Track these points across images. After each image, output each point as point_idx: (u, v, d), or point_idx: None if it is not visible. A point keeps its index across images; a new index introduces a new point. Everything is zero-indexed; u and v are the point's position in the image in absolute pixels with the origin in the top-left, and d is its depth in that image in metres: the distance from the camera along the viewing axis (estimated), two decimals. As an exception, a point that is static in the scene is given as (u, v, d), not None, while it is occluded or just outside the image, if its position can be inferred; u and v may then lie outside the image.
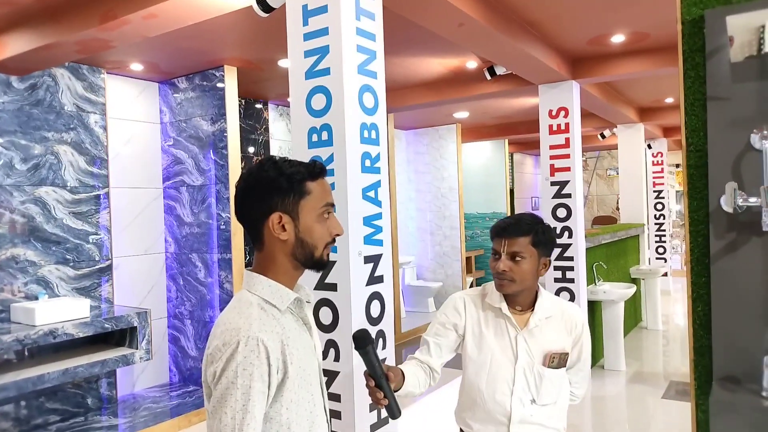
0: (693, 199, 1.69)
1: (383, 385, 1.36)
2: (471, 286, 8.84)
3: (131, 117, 4.77)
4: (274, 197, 1.16)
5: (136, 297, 4.72)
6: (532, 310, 1.68)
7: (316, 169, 1.20)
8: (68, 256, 4.11)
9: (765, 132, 1.46)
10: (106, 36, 3.21)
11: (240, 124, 5.11)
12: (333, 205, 1.23)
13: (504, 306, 1.68)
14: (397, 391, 1.50)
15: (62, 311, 3.65)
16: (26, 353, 3.76)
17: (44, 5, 3.17)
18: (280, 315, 1.16)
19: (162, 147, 4.98)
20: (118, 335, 4.03)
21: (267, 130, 5.75)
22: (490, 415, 1.65)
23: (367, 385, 1.39)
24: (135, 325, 3.93)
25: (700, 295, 1.68)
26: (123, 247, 4.64)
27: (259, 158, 5.48)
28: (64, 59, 3.70)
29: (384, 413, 2.23)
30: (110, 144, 4.51)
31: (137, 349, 3.93)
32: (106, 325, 3.79)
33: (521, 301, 1.70)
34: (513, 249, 1.62)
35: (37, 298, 3.87)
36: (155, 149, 4.95)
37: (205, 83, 4.65)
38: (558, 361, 1.65)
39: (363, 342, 1.33)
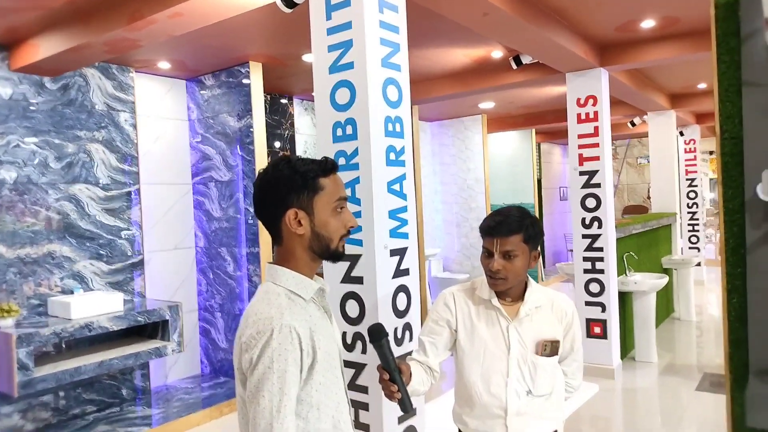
0: (728, 188, 1.64)
1: (396, 379, 1.38)
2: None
3: (160, 114, 4.85)
4: (290, 194, 1.22)
5: (168, 291, 4.81)
6: (522, 300, 1.68)
7: (328, 166, 1.26)
8: (102, 252, 4.21)
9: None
10: (134, 35, 3.26)
11: (266, 120, 5.15)
12: (346, 198, 1.28)
13: (494, 298, 1.67)
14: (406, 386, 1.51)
15: (97, 305, 3.75)
16: (63, 346, 3.87)
17: (74, 7, 3.23)
18: (305, 304, 1.22)
19: (190, 143, 5.05)
20: (151, 328, 4.12)
21: (292, 125, 5.78)
22: (486, 409, 1.64)
23: (381, 379, 1.41)
24: (167, 318, 4.02)
25: (735, 287, 1.64)
26: (154, 243, 4.73)
27: (285, 152, 5.52)
28: (94, 59, 3.78)
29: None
30: (140, 141, 4.59)
31: (169, 341, 4.02)
32: (139, 319, 3.88)
33: (511, 292, 1.70)
34: (506, 248, 1.60)
35: (72, 293, 3.98)
36: (184, 146, 5.03)
37: (231, 80, 4.70)
38: (550, 348, 1.66)
39: (378, 335, 1.36)
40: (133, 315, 3.85)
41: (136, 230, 4.44)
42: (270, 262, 1.28)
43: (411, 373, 1.57)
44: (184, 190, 5.00)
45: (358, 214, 2.18)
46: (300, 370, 1.15)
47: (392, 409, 2.14)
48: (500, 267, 1.61)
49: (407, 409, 1.39)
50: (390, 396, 1.41)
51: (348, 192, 2.18)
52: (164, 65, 4.53)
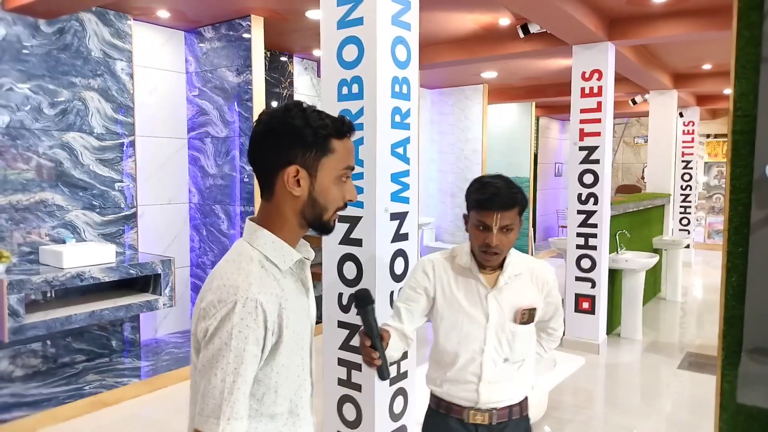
0: (736, 167, 1.63)
1: (378, 346, 1.37)
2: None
3: (157, 65, 4.74)
4: (296, 148, 1.08)
5: (160, 245, 4.79)
6: (501, 269, 1.65)
7: (345, 127, 1.12)
8: (95, 202, 4.16)
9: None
10: (134, -20, 3.15)
11: (265, 77, 5.05)
12: (353, 168, 1.16)
13: (474, 267, 1.64)
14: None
15: (89, 255, 3.72)
16: (54, 294, 3.86)
17: (72, -54, 3.11)
18: (280, 275, 1.10)
19: (187, 97, 4.96)
20: (142, 282, 4.11)
21: (291, 83, 5.68)
22: (460, 374, 1.64)
23: (362, 344, 1.39)
24: (159, 272, 4.01)
25: (735, 266, 1.64)
26: (148, 196, 4.68)
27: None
28: (92, 3, 3.66)
29: (403, 367, 2.26)
30: (136, 92, 4.50)
31: (161, 295, 4.02)
32: (131, 271, 3.86)
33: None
34: (505, 222, 1.55)
35: (64, 242, 3.95)
36: (180, 99, 4.93)
37: (231, 33, 4.58)
38: (528, 316, 1.65)
39: (364, 302, 1.34)
40: (125, 267, 3.83)
41: (130, 182, 4.39)
42: (251, 218, 1.15)
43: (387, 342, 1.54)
44: (179, 145, 4.93)
45: (360, 176, 2.15)
46: (261, 351, 1.03)
47: (384, 371, 2.16)
48: (499, 242, 1.55)
49: (384, 376, 1.39)
50: (369, 362, 1.40)
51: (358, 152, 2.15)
52: (163, 14, 4.40)
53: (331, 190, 1.11)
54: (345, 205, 1.17)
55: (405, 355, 2.24)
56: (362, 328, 1.38)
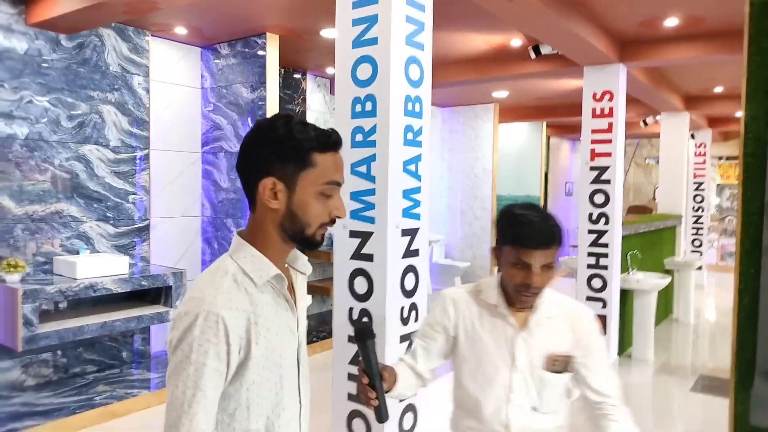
0: (748, 189, 1.64)
1: (376, 385, 1.28)
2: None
3: (173, 81, 4.83)
4: (275, 160, 1.05)
5: (172, 258, 4.83)
6: (532, 308, 1.50)
7: (330, 140, 1.08)
8: (109, 214, 4.22)
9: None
10: (155, -2, 3.23)
11: (279, 94, 5.12)
12: (340, 184, 1.11)
13: (502, 304, 1.51)
14: (388, 392, 1.40)
15: (102, 266, 3.76)
16: (67, 304, 3.90)
17: (96, -36, 3.20)
18: (255, 290, 1.07)
19: (202, 112, 5.03)
20: (154, 293, 4.14)
21: (304, 100, 5.75)
22: (486, 422, 1.50)
23: (359, 381, 1.30)
24: (170, 284, 4.04)
25: (747, 287, 1.64)
26: (161, 209, 4.74)
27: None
28: (112, 19, 3.75)
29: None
30: (152, 106, 4.58)
31: (171, 307, 4.04)
32: (143, 283, 3.90)
33: None
34: (547, 260, 1.41)
35: (78, 253, 4.00)
36: (195, 114, 5.01)
37: (246, 50, 4.66)
38: (561, 364, 1.49)
39: (363, 335, 1.27)
40: (137, 279, 3.87)
41: (144, 195, 4.44)
42: (239, 231, 1.13)
43: (395, 379, 1.45)
44: (193, 159, 5.00)
45: (371, 192, 2.18)
46: (226, 365, 1.01)
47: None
48: (539, 282, 1.41)
49: (382, 418, 1.30)
50: (366, 402, 1.30)
51: (363, 169, 2.18)
52: (180, 31, 4.49)
53: (311, 205, 1.08)
54: (332, 221, 1.12)
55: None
56: (361, 364, 1.30)
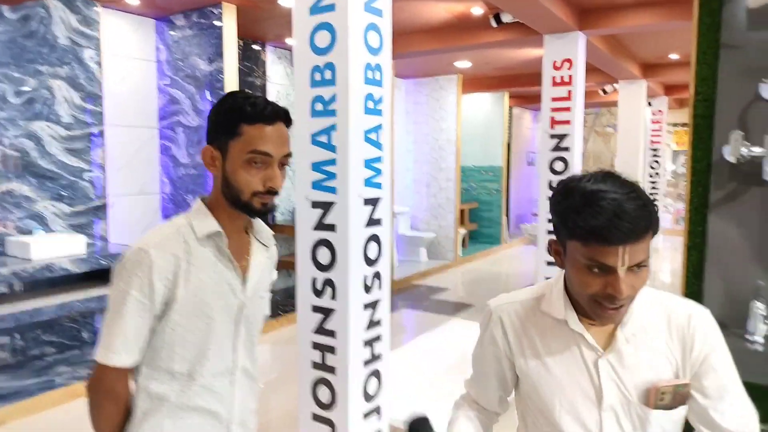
0: (697, 150, 1.69)
1: None
2: (464, 240, 8.92)
3: (127, 54, 4.66)
4: (213, 130, 1.18)
5: (131, 236, 4.73)
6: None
7: (256, 111, 1.14)
8: (63, 193, 4.09)
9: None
10: (101, -36, 3.09)
11: (238, 66, 5.00)
12: (267, 154, 1.14)
13: (572, 318, 1.06)
14: None
15: (58, 246, 3.66)
16: (23, 286, 3.79)
17: (36, -72, 3.03)
18: (196, 242, 1.16)
19: (158, 86, 4.88)
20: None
21: (265, 73, 5.64)
22: None
23: None
24: (131, 263, 3.96)
25: (695, 244, 1.71)
26: (118, 186, 4.61)
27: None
28: (57, -12, 3.58)
29: (377, 349, 2.29)
30: (105, 81, 4.41)
31: (134, 286, 3.97)
32: (102, 262, 3.81)
33: None
34: (639, 258, 0.94)
35: (31, 233, 3.88)
36: (151, 88, 4.86)
37: (202, 21, 4.52)
38: (672, 396, 1.02)
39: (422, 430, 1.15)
40: (96, 258, 3.78)
41: (99, 173, 4.31)
42: (201, 196, 1.25)
43: None
44: (150, 134, 4.86)
45: (333, 162, 2.16)
46: (149, 300, 1.11)
47: (359, 353, 2.19)
48: (628, 289, 0.95)
49: None
50: None
51: (323, 139, 2.16)
52: (133, 1, 4.32)
53: (240, 174, 1.14)
54: (268, 192, 1.16)
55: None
56: None
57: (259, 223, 1.30)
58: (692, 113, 1.71)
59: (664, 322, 1.07)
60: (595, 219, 0.92)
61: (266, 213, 1.19)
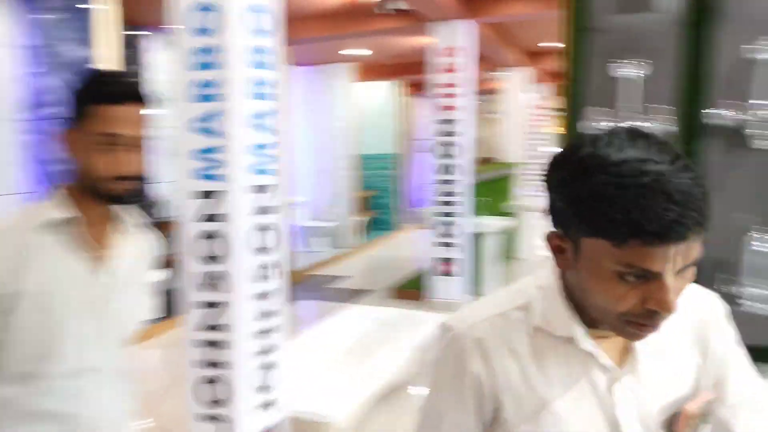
0: (571, 131, 1.83)
1: None
2: (365, 227, 8.99)
3: (-17, 36, 4.19)
4: (70, 112, 1.11)
5: None
6: None
7: (103, 92, 1.08)
8: None
9: (625, 62, 1.60)
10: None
11: (118, 53, 4.68)
12: (116, 135, 1.07)
13: (581, 334, 0.78)
14: None
15: None
16: None
17: None
18: (41, 232, 1.08)
19: (22, 75, 4.44)
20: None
21: (147, 60, 5.32)
22: None
23: None
24: None
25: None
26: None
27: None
28: None
29: (272, 340, 2.26)
30: (-42, 66, 3.95)
31: None
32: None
33: None
34: (694, 255, 0.67)
35: None
36: (13, 77, 4.41)
37: (72, 2, 4.17)
38: (703, 418, 0.81)
39: None
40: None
41: (-43, 169, 3.87)
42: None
43: None
44: (14, 128, 4.42)
45: (221, 149, 2.09)
46: None
47: (249, 346, 2.14)
48: (676, 299, 0.68)
49: None
50: None
51: (207, 125, 2.08)
52: (-14, -23, 3.89)
53: (92, 158, 1.08)
54: (125, 178, 1.09)
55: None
56: None
57: (128, 212, 1.21)
58: (564, 93, 1.83)
59: (684, 319, 0.80)
60: (645, 212, 0.62)
61: (128, 201, 1.13)
